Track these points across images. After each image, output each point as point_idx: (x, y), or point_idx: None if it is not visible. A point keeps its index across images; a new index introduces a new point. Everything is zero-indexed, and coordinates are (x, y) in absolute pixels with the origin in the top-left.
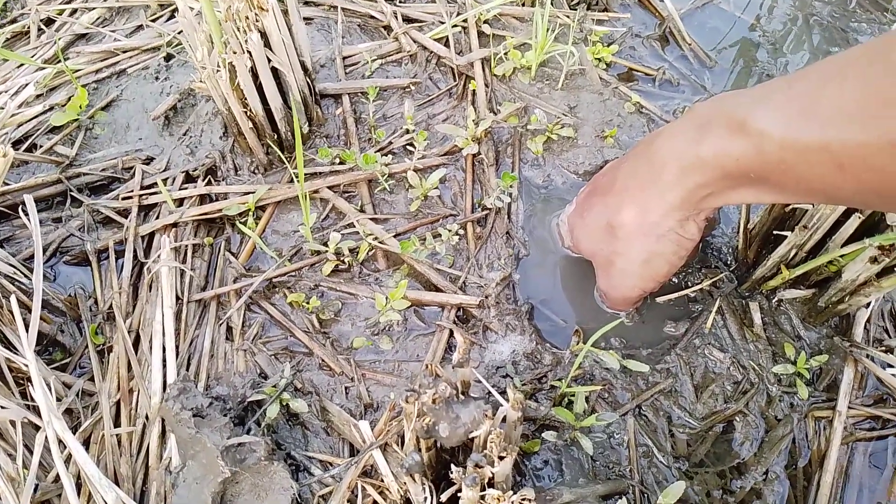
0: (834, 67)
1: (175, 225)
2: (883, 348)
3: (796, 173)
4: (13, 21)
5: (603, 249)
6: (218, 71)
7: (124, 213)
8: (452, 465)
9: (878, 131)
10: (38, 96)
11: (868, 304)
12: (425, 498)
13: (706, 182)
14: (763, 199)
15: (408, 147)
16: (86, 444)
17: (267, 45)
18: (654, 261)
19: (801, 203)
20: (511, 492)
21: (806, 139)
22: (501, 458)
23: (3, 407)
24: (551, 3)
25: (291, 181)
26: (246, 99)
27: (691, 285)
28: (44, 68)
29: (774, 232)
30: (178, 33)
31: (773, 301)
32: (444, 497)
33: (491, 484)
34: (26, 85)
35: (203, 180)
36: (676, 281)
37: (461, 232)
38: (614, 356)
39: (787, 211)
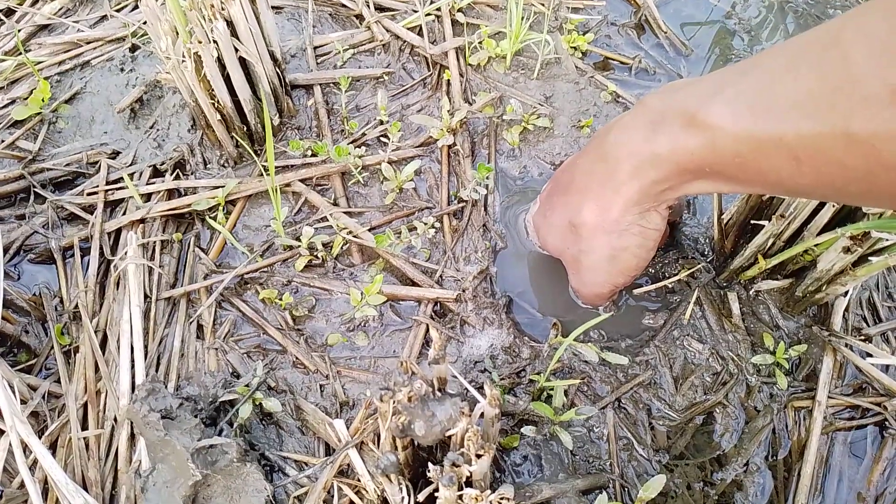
0: (787, 57)
1: (142, 221)
2: (861, 337)
3: (753, 167)
4: None
5: (569, 249)
6: (183, 61)
7: (90, 209)
8: (430, 464)
9: (832, 121)
10: None
11: (846, 293)
12: (402, 498)
13: (662, 177)
14: (721, 189)
15: (381, 138)
16: (52, 448)
17: (234, 34)
18: (621, 256)
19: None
20: (489, 490)
21: (760, 132)
22: (479, 457)
23: None
24: None
25: (262, 174)
26: (213, 90)
27: (669, 276)
28: (4, 61)
29: (752, 221)
30: (143, 23)
31: (751, 291)
32: (421, 496)
33: (469, 482)
34: None
35: (171, 174)
36: (654, 272)
37: (437, 225)
38: (593, 349)
39: (765, 200)
